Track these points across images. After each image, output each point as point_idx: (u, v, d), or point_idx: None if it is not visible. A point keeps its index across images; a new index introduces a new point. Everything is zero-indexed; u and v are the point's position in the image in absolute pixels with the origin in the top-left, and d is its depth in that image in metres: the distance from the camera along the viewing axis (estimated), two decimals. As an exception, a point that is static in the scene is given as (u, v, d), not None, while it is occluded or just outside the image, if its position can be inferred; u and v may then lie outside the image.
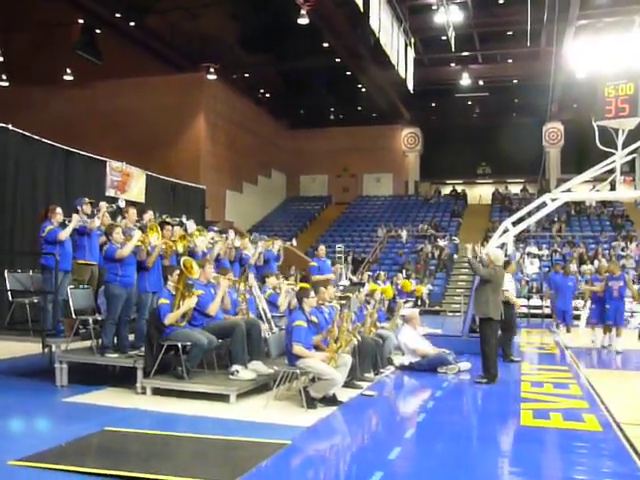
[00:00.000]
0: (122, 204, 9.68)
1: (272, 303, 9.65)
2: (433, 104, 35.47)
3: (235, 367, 7.60)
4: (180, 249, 8.64)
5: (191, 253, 9.01)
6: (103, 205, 9.47)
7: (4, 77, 27.24)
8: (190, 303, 7.60)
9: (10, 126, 11.52)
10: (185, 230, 9.57)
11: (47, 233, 8.28)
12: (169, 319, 7.45)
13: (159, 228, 8.39)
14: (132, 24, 23.11)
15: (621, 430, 6.21)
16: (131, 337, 8.31)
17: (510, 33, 25.82)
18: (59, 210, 8.52)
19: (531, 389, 8.36)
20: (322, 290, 8.16)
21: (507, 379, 9.18)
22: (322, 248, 12.65)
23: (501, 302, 9.13)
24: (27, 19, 24.54)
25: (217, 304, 7.98)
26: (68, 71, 26.24)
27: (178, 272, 7.67)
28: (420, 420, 6.79)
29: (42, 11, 23.18)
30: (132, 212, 9.30)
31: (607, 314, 12.55)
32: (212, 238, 10.00)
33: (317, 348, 7.32)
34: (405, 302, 14.77)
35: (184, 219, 10.34)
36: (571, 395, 7.79)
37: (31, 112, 23.68)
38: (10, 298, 8.76)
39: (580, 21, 22.15)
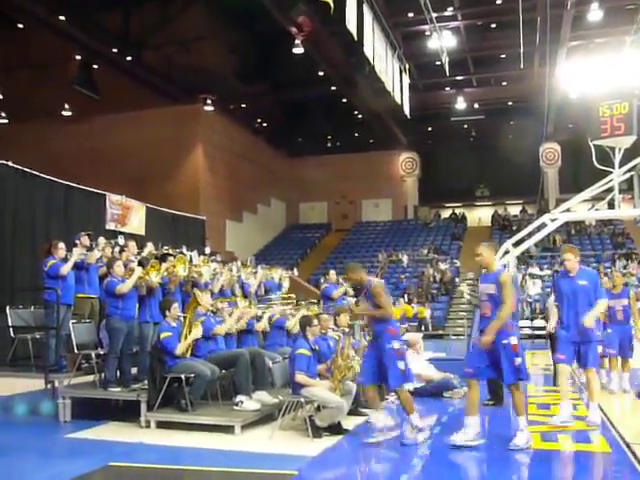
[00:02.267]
0: (121, 242, 9.74)
1: (280, 327, 9.58)
2: (429, 128, 35.69)
3: (239, 398, 7.55)
4: (181, 272, 8.64)
5: (194, 283, 9.03)
6: (102, 241, 9.51)
7: (3, 114, 27.48)
8: (197, 333, 7.60)
9: (10, 163, 11.58)
10: (190, 261, 9.60)
11: (49, 267, 8.33)
12: (179, 349, 7.44)
13: (159, 264, 8.41)
14: (129, 58, 23.36)
15: (631, 450, 6.14)
16: (134, 370, 8.27)
17: (503, 56, 26.13)
18: (62, 245, 8.57)
19: (538, 411, 8.27)
20: (324, 318, 8.13)
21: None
22: (333, 273, 12.51)
23: None
24: (25, 57, 24.83)
25: (224, 329, 8.09)
26: (66, 106, 26.46)
27: (191, 301, 7.74)
28: (427, 446, 6.71)
29: (40, 48, 23.46)
30: (132, 245, 9.34)
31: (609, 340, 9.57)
32: (214, 269, 10.02)
33: (321, 377, 7.28)
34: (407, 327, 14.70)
35: (184, 250, 10.37)
36: (579, 416, 7.72)
37: (30, 148, 23.85)
38: (12, 334, 8.74)
39: (572, 42, 22.43)
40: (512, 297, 6.15)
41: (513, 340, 6.15)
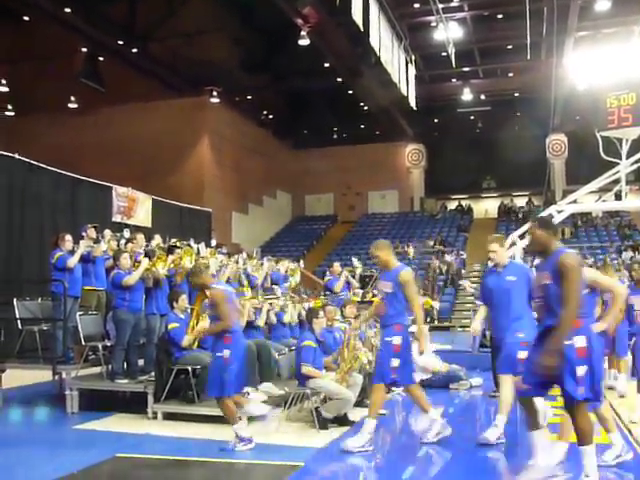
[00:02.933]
0: (127, 234, 9.77)
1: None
2: (436, 120, 35.60)
3: (246, 389, 7.57)
4: (188, 264, 8.65)
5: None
6: (107, 233, 9.53)
7: (9, 107, 27.53)
8: (205, 324, 7.61)
9: (16, 155, 11.60)
10: (197, 253, 9.63)
11: (56, 260, 8.36)
12: (186, 341, 7.45)
13: (166, 256, 8.43)
14: (134, 51, 23.32)
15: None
16: (140, 362, 8.30)
17: (510, 47, 25.99)
18: (69, 237, 8.60)
19: (545, 403, 8.26)
20: (330, 309, 8.14)
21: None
22: (337, 265, 12.50)
23: None
24: (31, 49, 24.85)
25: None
26: (72, 99, 26.47)
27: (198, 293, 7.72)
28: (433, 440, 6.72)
29: (45, 40, 23.48)
30: (140, 237, 9.36)
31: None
32: (221, 261, 10.04)
33: (327, 369, 7.29)
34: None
35: (192, 243, 10.39)
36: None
37: (36, 141, 23.85)
38: (20, 326, 8.78)
39: (579, 32, 22.29)
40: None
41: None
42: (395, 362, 5.96)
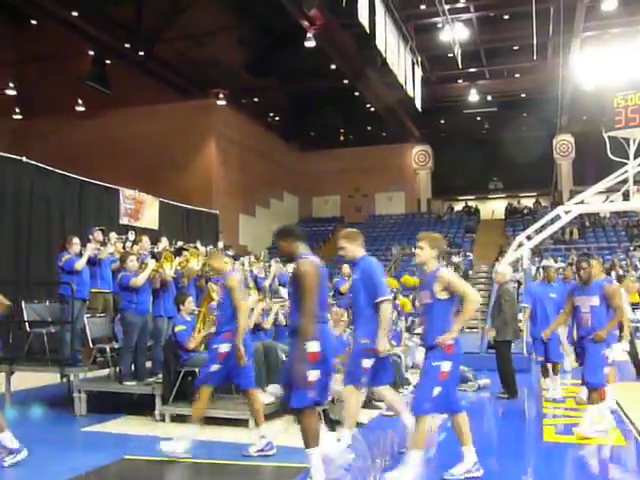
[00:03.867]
0: (132, 236, 9.80)
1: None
2: (442, 121, 35.56)
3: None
4: (195, 266, 8.67)
5: (208, 278, 9.05)
6: (113, 236, 9.57)
7: (17, 110, 27.66)
8: (212, 326, 7.62)
9: (24, 158, 11.66)
10: (205, 255, 9.63)
11: (64, 262, 8.39)
12: (192, 343, 7.46)
13: (173, 257, 8.45)
14: (141, 54, 23.39)
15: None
16: (148, 364, 8.31)
17: (516, 48, 25.95)
18: (76, 240, 8.63)
19: (552, 404, 8.25)
20: (336, 311, 8.14)
21: (527, 395, 9.08)
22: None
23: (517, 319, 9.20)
24: (38, 52, 24.98)
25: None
26: (79, 102, 26.57)
27: (205, 295, 7.73)
28: (441, 439, 6.70)
29: (53, 44, 23.58)
30: (145, 239, 9.38)
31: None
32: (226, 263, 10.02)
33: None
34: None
35: (199, 245, 10.40)
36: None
37: (44, 143, 23.97)
38: (28, 329, 8.81)
39: (586, 33, 22.22)
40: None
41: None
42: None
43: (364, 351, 5.47)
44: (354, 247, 5.66)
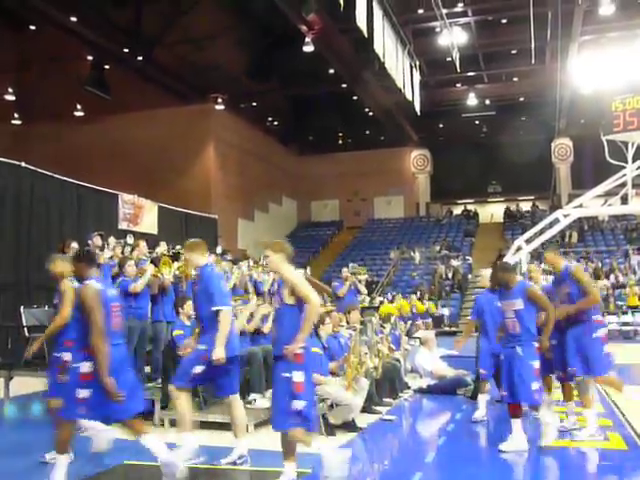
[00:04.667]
0: (130, 240, 9.80)
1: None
2: (441, 125, 35.62)
3: (252, 396, 7.56)
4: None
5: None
6: (112, 240, 9.57)
7: (16, 115, 27.67)
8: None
9: (23, 163, 11.66)
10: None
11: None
12: (186, 348, 7.44)
13: (171, 262, 8.45)
14: (140, 58, 23.42)
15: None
16: (147, 369, 8.30)
17: (514, 52, 26.02)
18: (74, 245, 8.61)
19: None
20: (334, 315, 8.14)
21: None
22: (346, 270, 12.52)
23: None
24: (36, 57, 25.00)
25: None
26: (78, 106, 26.58)
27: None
28: (441, 444, 6.71)
29: (51, 49, 23.59)
30: (142, 244, 9.38)
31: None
32: (223, 268, 10.03)
33: (333, 375, 7.28)
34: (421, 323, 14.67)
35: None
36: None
37: (43, 148, 23.97)
38: (27, 334, 8.79)
39: (583, 37, 22.28)
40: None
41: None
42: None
43: (201, 357, 5.47)
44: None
